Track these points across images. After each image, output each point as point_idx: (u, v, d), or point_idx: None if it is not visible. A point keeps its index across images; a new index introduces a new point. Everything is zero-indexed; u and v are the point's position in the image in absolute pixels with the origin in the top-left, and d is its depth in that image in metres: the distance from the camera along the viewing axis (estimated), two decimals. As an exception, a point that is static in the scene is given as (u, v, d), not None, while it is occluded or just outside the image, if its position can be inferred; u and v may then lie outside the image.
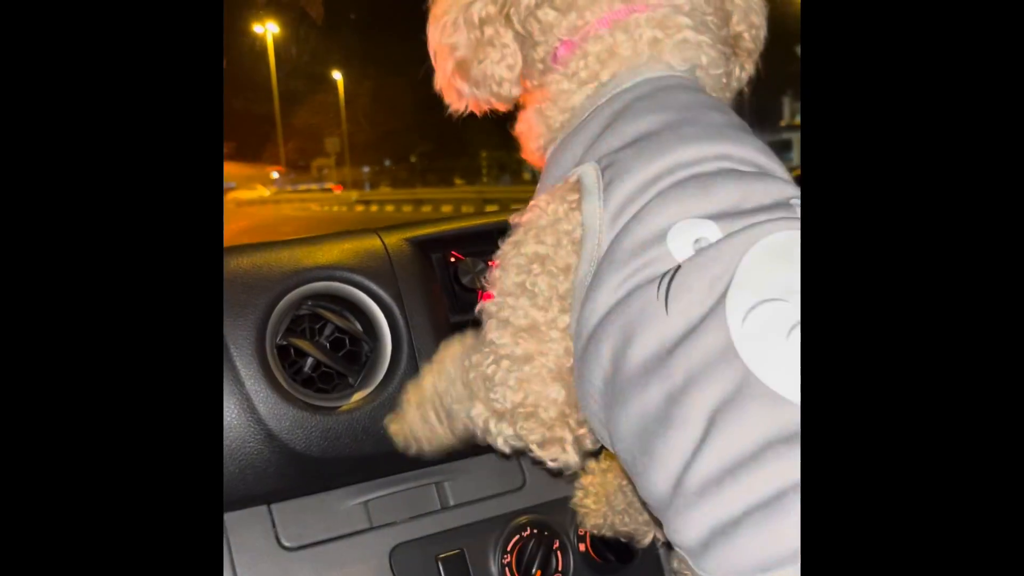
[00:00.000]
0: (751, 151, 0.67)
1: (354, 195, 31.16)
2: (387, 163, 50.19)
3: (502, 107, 0.82)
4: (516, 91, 0.79)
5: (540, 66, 0.77)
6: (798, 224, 0.60)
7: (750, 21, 0.81)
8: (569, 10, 0.74)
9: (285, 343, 1.00)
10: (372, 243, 1.06)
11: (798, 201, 0.63)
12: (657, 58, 0.72)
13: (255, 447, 0.94)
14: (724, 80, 0.76)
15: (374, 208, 25.68)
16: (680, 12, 0.73)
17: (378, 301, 1.03)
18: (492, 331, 0.72)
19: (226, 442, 0.93)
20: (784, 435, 0.53)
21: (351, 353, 1.04)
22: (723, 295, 0.58)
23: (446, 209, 21.57)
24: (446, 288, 1.10)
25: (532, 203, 0.72)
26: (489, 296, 1.08)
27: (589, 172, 0.68)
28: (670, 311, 0.59)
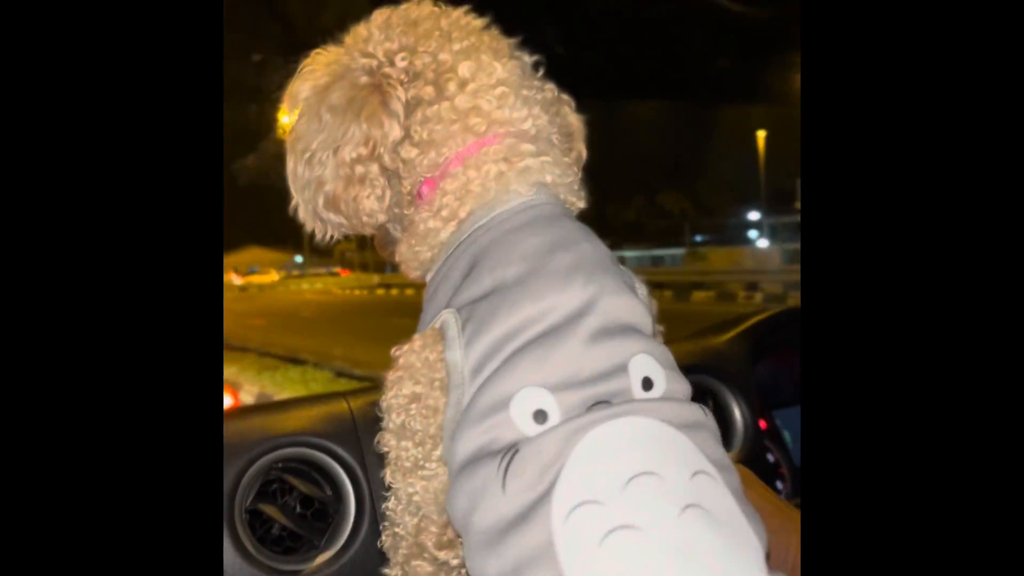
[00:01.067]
0: (599, 293, 0.71)
1: (375, 279, 31.52)
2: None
3: (369, 232, 0.86)
4: (384, 218, 0.82)
5: (408, 198, 0.82)
6: (628, 408, 0.66)
7: (579, 147, 0.87)
8: (428, 148, 0.78)
9: (254, 508, 1.05)
10: (339, 407, 1.12)
11: (641, 357, 0.69)
12: (504, 190, 0.76)
13: None
14: (575, 184, 0.82)
15: (394, 292, 25.91)
16: (524, 138, 0.78)
17: (343, 465, 1.08)
18: (387, 473, 0.81)
19: None
20: None
21: (318, 513, 1.08)
22: (552, 485, 0.63)
23: None
24: None
25: (407, 344, 0.77)
26: None
27: (451, 323, 0.73)
28: (507, 490, 0.65)
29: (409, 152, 0.79)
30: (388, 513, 0.80)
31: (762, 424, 1.39)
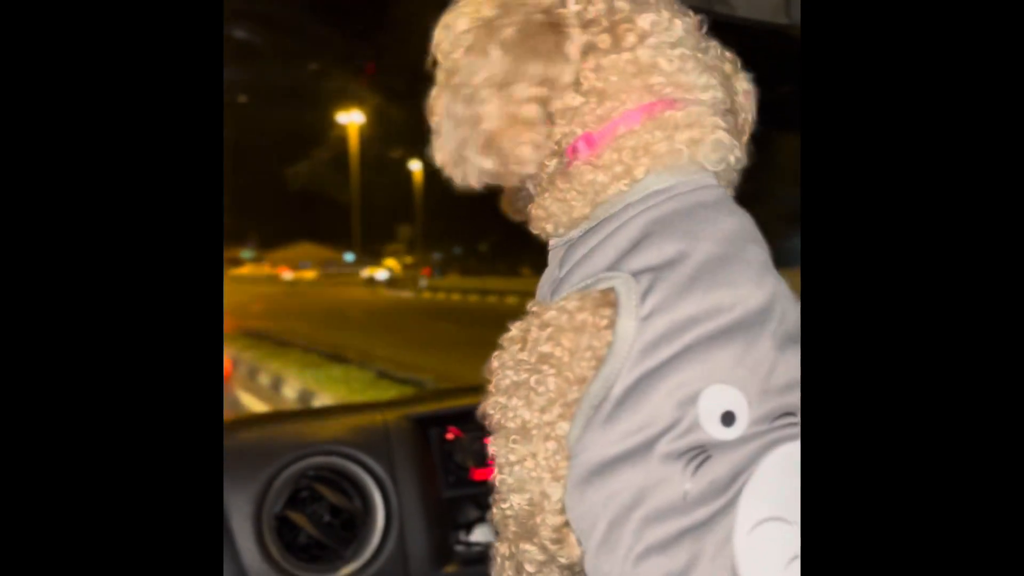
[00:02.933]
0: (778, 295, 0.67)
1: (423, 281, 31.83)
2: (456, 251, 50.85)
3: (512, 182, 0.79)
4: (533, 169, 0.75)
5: (555, 148, 0.75)
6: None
7: (748, 108, 0.81)
8: (599, 99, 0.72)
9: (283, 514, 1.05)
10: (372, 419, 1.12)
11: None
12: (693, 159, 0.71)
13: None
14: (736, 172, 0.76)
15: (441, 296, 26.09)
16: (712, 110, 0.72)
17: (374, 477, 1.08)
18: (491, 441, 0.73)
19: None
20: None
21: (346, 523, 1.08)
22: (738, 495, 0.59)
23: (511, 301, 21.71)
24: (440, 465, 1.15)
25: (560, 303, 0.69)
26: (483, 473, 1.11)
27: (627, 289, 0.66)
28: (689, 495, 0.60)
29: (573, 100, 0.73)
30: (497, 486, 0.73)
31: None
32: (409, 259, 35.25)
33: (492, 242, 55.43)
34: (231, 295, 26.14)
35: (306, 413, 1.17)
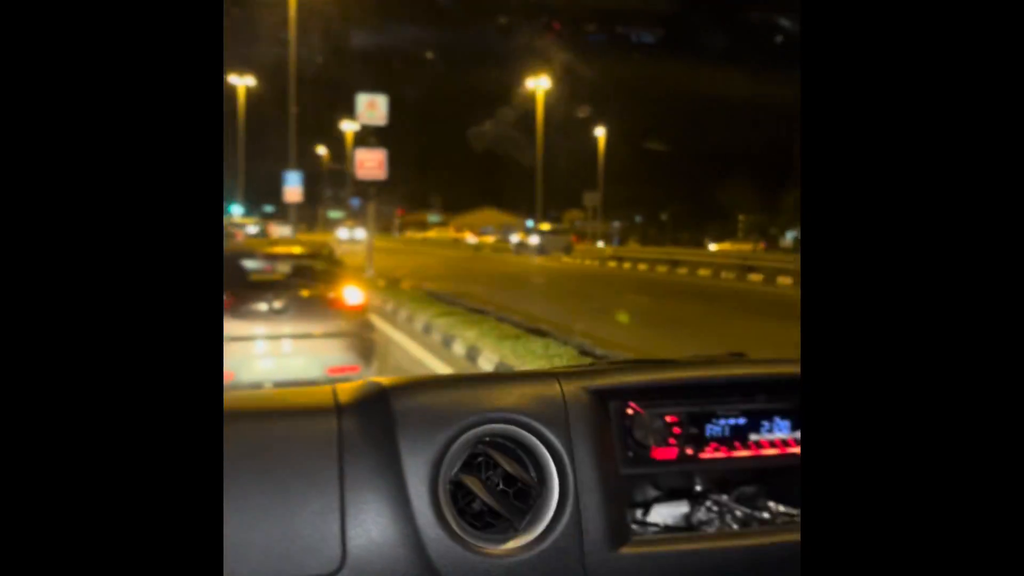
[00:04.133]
0: None
1: (608, 250, 30.96)
2: (637, 219, 49.83)
3: None
4: None
5: None
6: None
7: None
8: None
9: (458, 479, 1.04)
10: (550, 390, 1.08)
11: None
12: None
13: (412, 575, 0.98)
14: None
15: (627, 266, 25.30)
16: None
17: (550, 448, 1.05)
18: None
19: (386, 567, 0.97)
20: None
21: (521, 493, 1.05)
22: None
23: (703, 272, 20.68)
24: (619, 441, 1.10)
25: None
26: (664, 452, 1.08)
27: None
28: None
29: None
30: None
31: None
32: (546, 226, 34.75)
33: (674, 212, 54.02)
34: (417, 257, 26.94)
35: (484, 378, 1.14)
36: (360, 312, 5.51)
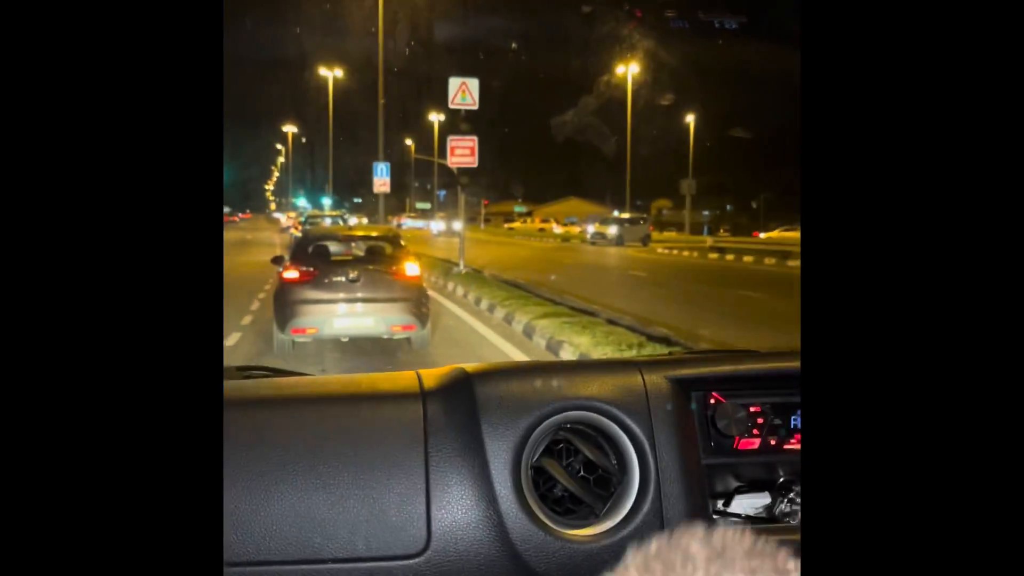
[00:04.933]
0: None
1: (708, 241, 29.78)
2: (728, 208, 48.71)
3: None
4: None
5: None
6: None
7: None
8: None
9: (539, 464, 1.05)
10: (632, 379, 1.08)
11: None
12: None
13: (495, 557, 0.99)
14: None
15: (730, 258, 23.99)
16: None
17: (631, 436, 1.05)
18: None
19: (466, 547, 0.99)
20: None
21: (601, 480, 1.07)
22: None
23: (792, 263, 19.76)
24: (701, 430, 1.10)
25: None
26: (747, 443, 1.09)
27: None
28: None
29: None
30: None
31: None
32: (625, 215, 34.03)
33: (766, 199, 52.48)
34: (504, 248, 26.90)
35: (566, 365, 1.16)
36: (417, 282, 6.63)
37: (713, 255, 24.65)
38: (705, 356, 1.19)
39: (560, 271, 17.24)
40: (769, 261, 21.70)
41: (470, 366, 1.11)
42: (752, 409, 1.11)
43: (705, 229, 41.98)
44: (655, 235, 35.50)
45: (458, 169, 14.43)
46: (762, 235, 35.61)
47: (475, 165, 14.39)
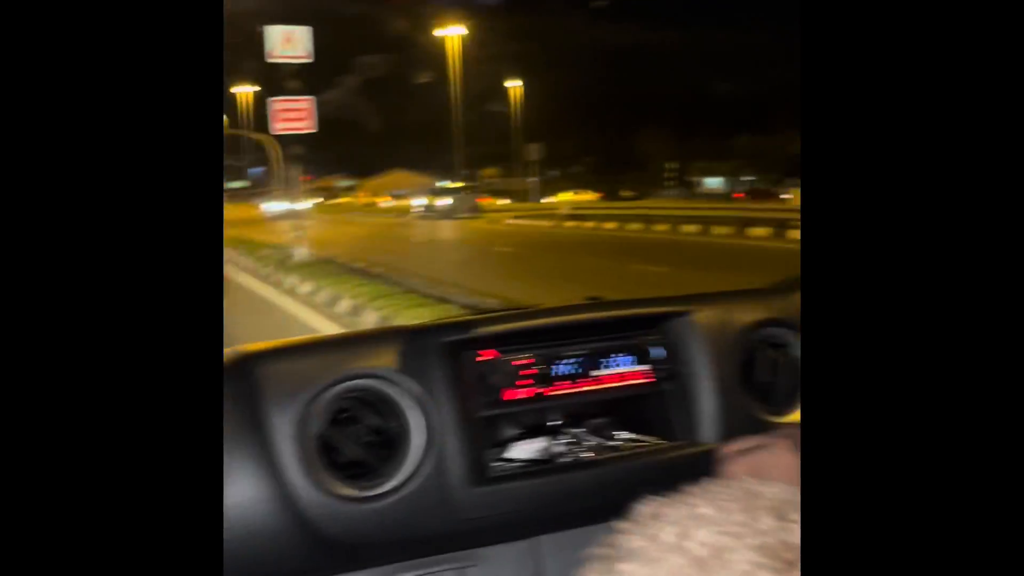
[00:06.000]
0: None
1: (562, 207, 28.61)
2: (553, 173, 48.76)
3: None
4: None
5: None
6: None
7: None
8: None
9: (325, 435, 1.09)
10: (408, 344, 1.14)
11: None
12: None
13: (286, 528, 1.04)
14: None
15: (590, 225, 23.17)
16: None
17: (412, 398, 1.11)
18: None
19: (257, 521, 1.03)
20: None
21: (386, 443, 1.12)
22: None
23: (689, 228, 19.28)
24: (475, 386, 1.17)
25: None
26: (513, 393, 1.19)
27: None
28: None
29: None
30: None
31: None
32: (455, 185, 33.48)
33: (591, 165, 53.41)
34: (341, 227, 25.11)
35: (344, 337, 1.22)
36: None
37: (570, 223, 23.92)
38: (477, 318, 1.24)
39: (417, 253, 15.84)
40: (635, 227, 21.21)
41: (249, 346, 1.13)
42: (520, 362, 1.19)
43: (535, 197, 41.76)
44: (490, 204, 34.82)
45: (283, 139, 12.09)
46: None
47: (314, 129, 11.78)
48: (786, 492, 0.56)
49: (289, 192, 15.34)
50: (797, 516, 0.55)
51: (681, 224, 19.93)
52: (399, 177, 53.44)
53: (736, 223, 18.43)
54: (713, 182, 44.79)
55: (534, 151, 38.31)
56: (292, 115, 11.45)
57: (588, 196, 39.13)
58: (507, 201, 39.14)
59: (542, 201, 39.10)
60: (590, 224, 23.06)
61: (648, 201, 31.80)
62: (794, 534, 0.53)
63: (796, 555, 0.52)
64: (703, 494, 0.57)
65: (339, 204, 47.94)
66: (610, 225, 22.12)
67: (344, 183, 57.67)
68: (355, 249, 14.91)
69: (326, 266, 10.89)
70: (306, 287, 9.43)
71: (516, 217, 27.95)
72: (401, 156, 57.47)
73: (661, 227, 20.27)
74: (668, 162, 45.61)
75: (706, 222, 19.44)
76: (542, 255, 15.10)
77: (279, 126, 11.47)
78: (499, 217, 28.56)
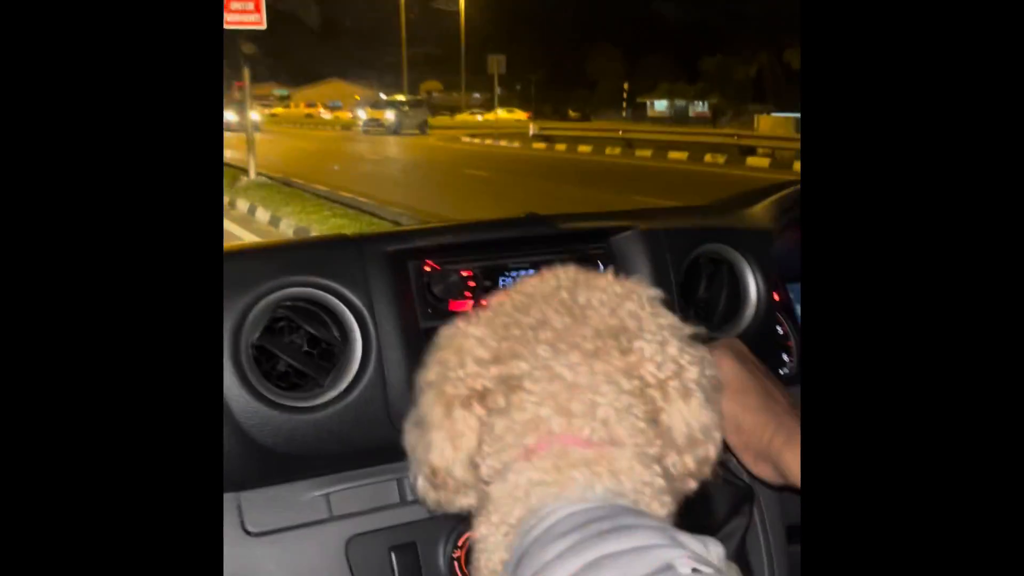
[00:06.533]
0: None
1: (532, 127, 27.59)
2: (498, 91, 47.84)
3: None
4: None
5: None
6: None
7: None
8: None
9: (261, 343, 1.07)
10: (349, 252, 1.11)
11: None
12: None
13: (224, 439, 1.02)
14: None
15: (561, 147, 22.21)
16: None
17: (351, 307, 1.09)
18: None
19: None
20: None
21: (324, 353, 1.10)
22: None
23: (676, 155, 18.76)
24: (419, 297, 1.16)
25: None
26: (459, 304, 1.18)
27: None
28: None
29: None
30: None
31: (775, 296, 1.35)
32: (403, 97, 32.57)
33: (536, 81, 52.43)
34: (288, 141, 24.12)
35: (282, 244, 1.20)
36: None
37: (540, 144, 23.27)
38: (422, 230, 1.23)
39: (385, 175, 15.21)
40: (613, 151, 20.67)
41: None
42: (464, 273, 1.17)
43: (475, 112, 40.96)
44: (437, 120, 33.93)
45: (231, 37, 10.43)
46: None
47: (263, 26, 10.10)
48: None
49: (237, 100, 13.82)
50: None
51: (668, 151, 19.58)
52: (336, 87, 51.67)
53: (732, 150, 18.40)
54: (661, 104, 44.57)
55: (495, 63, 35.69)
56: (239, 5, 9.81)
57: (522, 115, 38.38)
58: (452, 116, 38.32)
59: (479, 118, 38.37)
60: (561, 147, 22.60)
61: (617, 123, 31.31)
62: None
63: None
64: None
65: (277, 115, 46.25)
66: (584, 148, 21.70)
67: (279, 92, 55.53)
68: (310, 169, 14.22)
69: (284, 190, 10.07)
70: (263, 215, 8.83)
71: (472, 136, 27.35)
72: (336, 66, 55.42)
73: (643, 152, 19.92)
74: (622, 82, 45.02)
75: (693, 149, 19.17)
76: (522, 181, 14.70)
77: (229, 18, 9.69)
78: (451, 135, 27.95)
